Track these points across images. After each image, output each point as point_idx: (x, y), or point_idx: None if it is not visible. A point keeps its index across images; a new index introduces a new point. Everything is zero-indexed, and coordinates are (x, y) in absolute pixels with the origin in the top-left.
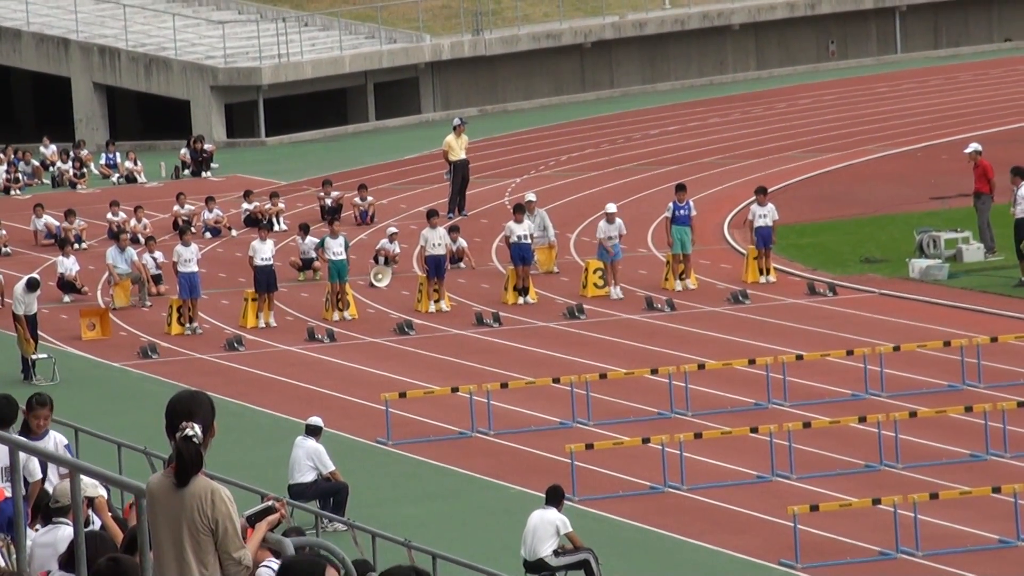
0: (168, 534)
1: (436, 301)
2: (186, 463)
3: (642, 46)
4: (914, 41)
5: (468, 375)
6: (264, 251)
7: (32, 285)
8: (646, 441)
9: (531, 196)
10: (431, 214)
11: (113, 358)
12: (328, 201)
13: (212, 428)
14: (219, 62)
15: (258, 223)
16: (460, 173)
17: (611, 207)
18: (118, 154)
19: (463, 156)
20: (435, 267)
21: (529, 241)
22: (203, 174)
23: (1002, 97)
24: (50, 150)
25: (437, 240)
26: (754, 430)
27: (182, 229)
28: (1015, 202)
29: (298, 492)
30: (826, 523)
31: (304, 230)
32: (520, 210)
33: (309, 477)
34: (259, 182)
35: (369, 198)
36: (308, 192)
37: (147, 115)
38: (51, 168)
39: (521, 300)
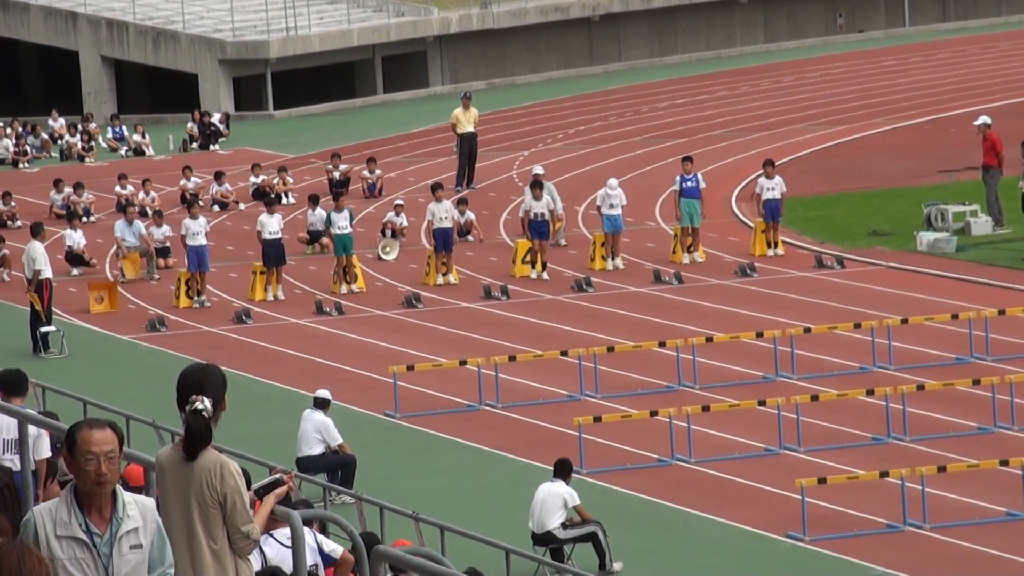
0: (177, 507)
1: (444, 274)
2: (195, 437)
3: (650, 19)
4: (922, 14)
5: (476, 348)
6: (272, 225)
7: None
8: (654, 414)
9: (539, 169)
10: (435, 187)
11: (121, 331)
12: (336, 174)
13: (223, 402)
14: (227, 35)
15: (265, 196)
16: (467, 146)
17: (612, 184)
18: (124, 127)
19: (470, 129)
20: (442, 240)
21: (548, 218)
22: (211, 147)
23: (1010, 70)
24: (58, 123)
25: (443, 213)
26: (762, 403)
27: (190, 202)
28: None
29: (306, 465)
30: (834, 496)
31: (314, 202)
32: (538, 186)
33: (317, 450)
34: (267, 155)
35: (377, 171)
36: (316, 165)
37: (155, 88)
38: (59, 141)
39: (536, 275)
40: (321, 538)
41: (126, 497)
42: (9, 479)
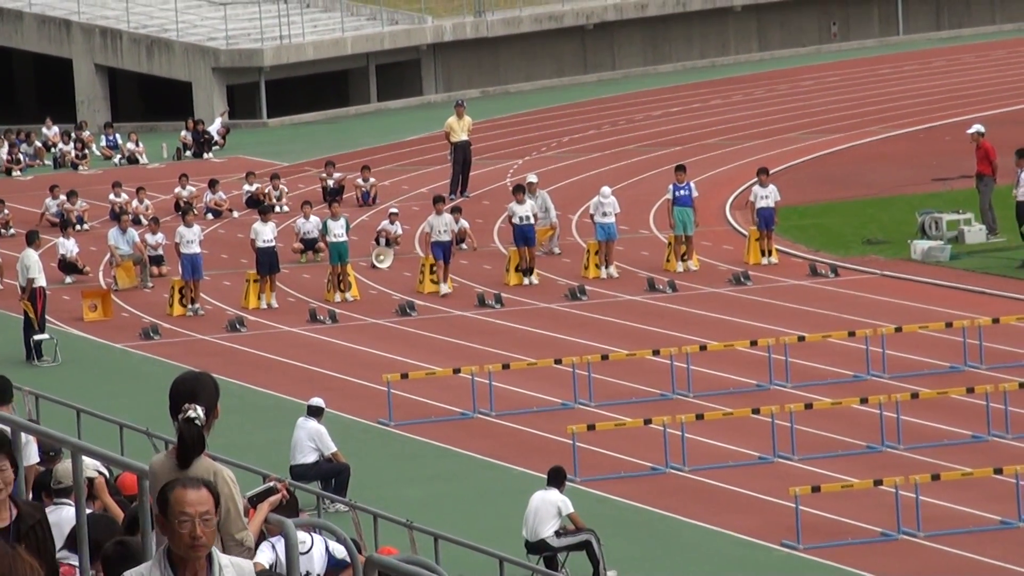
0: None
1: (436, 282)
2: (188, 445)
3: (644, 27)
4: (916, 22)
5: (470, 356)
6: (266, 233)
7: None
8: (648, 422)
9: (532, 177)
10: (437, 200)
11: (115, 339)
12: (330, 182)
13: (215, 410)
14: (221, 44)
15: (259, 204)
16: (461, 154)
17: (605, 192)
18: (118, 136)
19: (464, 137)
20: (440, 254)
21: (532, 222)
22: (205, 155)
23: (1004, 78)
24: (52, 131)
25: (443, 226)
26: (756, 411)
27: (184, 210)
28: (1018, 184)
29: (300, 473)
30: (828, 504)
31: (308, 207)
32: (520, 190)
33: (311, 458)
34: (261, 163)
35: (371, 179)
36: (310, 173)
37: (149, 96)
38: (53, 149)
39: (526, 281)
40: (334, 545)
41: (222, 560)
42: (41, 516)
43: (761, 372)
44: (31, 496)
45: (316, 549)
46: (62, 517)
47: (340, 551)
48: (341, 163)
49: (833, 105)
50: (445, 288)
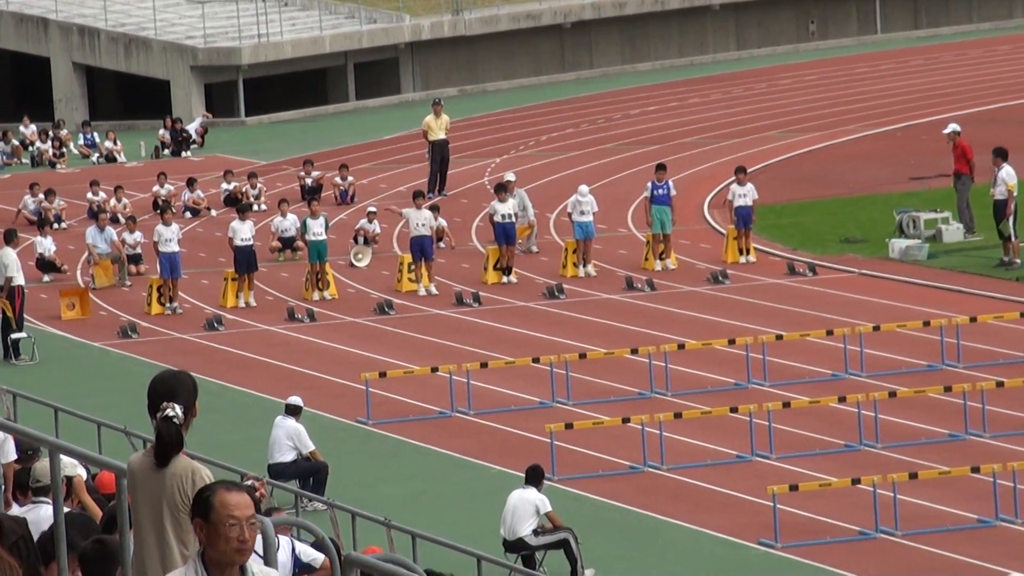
0: (148, 513)
1: (414, 281)
2: (166, 444)
3: (622, 26)
4: (894, 21)
5: (448, 355)
6: (243, 231)
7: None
8: (626, 421)
9: (510, 176)
10: (417, 194)
11: (93, 338)
12: (308, 181)
13: (194, 408)
14: (199, 42)
15: (238, 203)
16: (439, 153)
17: (583, 190)
18: (96, 134)
19: (442, 136)
20: (419, 248)
21: (513, 220)
22: (183, 154)
23: (981, 77)
24: (30, 130)
25: (421, 220)
26: (734, 410)
27: (162, 209)
28: (995, 183)
29: (278, 472)
30: (806, 503)
31: (285, 205)
32: (503, 189)
33: (289, 457)
34: (239, 162)
35: (349, 178)
36: (288, 172)
37: (127, 95)
38: (30, 148)
39: (505, 279)
40: (301, 547)
41: (254, 568)
42: (24, 531)
43: (739, 371)
44: (10, 494)
45: (282, 552)
46: (40, 516)
47: (307, 554)
48: (319, 161)
49: (811, 104)
50: (431, 289)
